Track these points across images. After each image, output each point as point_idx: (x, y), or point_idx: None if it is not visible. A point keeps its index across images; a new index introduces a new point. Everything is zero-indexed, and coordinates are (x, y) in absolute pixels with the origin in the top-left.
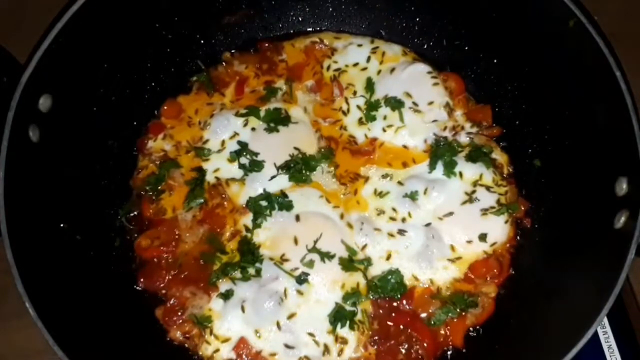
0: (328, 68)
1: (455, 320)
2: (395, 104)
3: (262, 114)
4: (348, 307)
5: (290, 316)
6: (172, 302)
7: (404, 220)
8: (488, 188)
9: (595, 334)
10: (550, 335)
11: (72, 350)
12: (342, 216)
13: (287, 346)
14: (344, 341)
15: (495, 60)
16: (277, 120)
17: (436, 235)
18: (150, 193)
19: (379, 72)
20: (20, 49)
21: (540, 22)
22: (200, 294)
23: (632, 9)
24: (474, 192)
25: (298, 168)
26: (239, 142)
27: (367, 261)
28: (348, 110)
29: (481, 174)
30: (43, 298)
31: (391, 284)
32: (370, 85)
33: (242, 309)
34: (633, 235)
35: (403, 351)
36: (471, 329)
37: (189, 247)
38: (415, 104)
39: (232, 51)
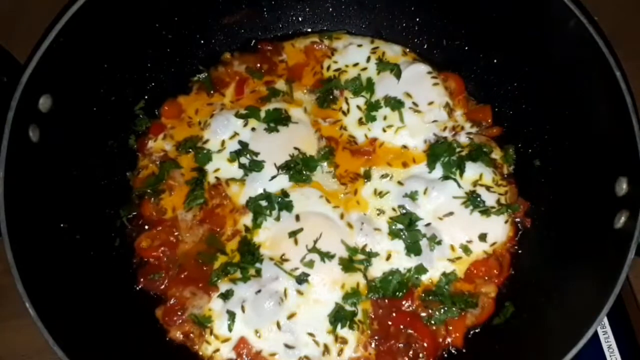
0: (328, 68)
1: (455, 320)
2: (395, 104)
3: (262, 114)
4: (348, 307)
5: (290, 316)
6: (172, 302)
7: None
8: (488, 188)
9: (595, 334)
10: (550, 335)
11: (72, 350)
12: (342, 216)
13: (287, 346)
14: (344, 341)
15: (495, 60)
16: (277, 121)
17: (436, 235)
18: (151, 193)
19: (379, 72)
20: (20, 49)
21: (540, 22)
22: (200, 294)
23: (632, 10)
24: (473, 192)
25: (298, 168)
26: (240, 142)
27: (367, 261)
28: (348, 110)
29: (481, 174)
30: (43, 298)
31: (393, 285)
32: (370, 86)
33: (242, 309)
34: (633, 235)
35: (403, 351)
36: (471, 329)
37: (189, 247)
38: (415, 104)
39: (232, 51)
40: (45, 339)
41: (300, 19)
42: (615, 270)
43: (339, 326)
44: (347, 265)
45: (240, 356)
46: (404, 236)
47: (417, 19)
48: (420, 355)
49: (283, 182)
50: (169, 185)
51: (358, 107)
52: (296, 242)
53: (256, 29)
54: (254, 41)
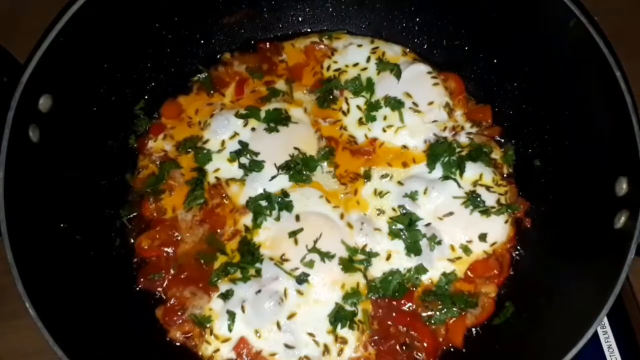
0: (328, 68)
1: (455, 320)
2: (395, 104)
3: (262, 114)
4: (348, 307)
5: (290, 316)
6: (172, 302)
7: None
8: (488, 188)
9: (595, 334)
10: (551, 335)
11: (72, 350)
12: (342, 216)
13: (287, 346)
14: (344, 341)
15: (495, 60)
16: (277, 121)
17: (436, 235)
18: (150, 193)
19: (379, 72)
20: (20, 49)
21: (540, 22)
22: (200, 294)
23: (632, 9)
24: (473, 192)
25: (298, 168)
26: (240, 142)
27: (367, 261)
28: (348, 110)
29: (481, 174)
30: (43, 298)
31: (393, 285)
32: (370, 86)
33: (242, 309)
34: (633, 235)
35: (403, 351)
36: (471, 329)
37: (189, 247)
38: (415, 104)
39: (232, 51)
40: (45, 339)
41: (300, 19)
42: (615, 270)
43: (339, 326)
44: (347, 265)
45: (240, 356)
46: (404, 236)
47: (417, 19)
48: (420, 355)
49: (283, 182)
50: (169, 185)
51: (358, 107)
52: (296, 242)
53: (256, 29)
54: (253, 41)
